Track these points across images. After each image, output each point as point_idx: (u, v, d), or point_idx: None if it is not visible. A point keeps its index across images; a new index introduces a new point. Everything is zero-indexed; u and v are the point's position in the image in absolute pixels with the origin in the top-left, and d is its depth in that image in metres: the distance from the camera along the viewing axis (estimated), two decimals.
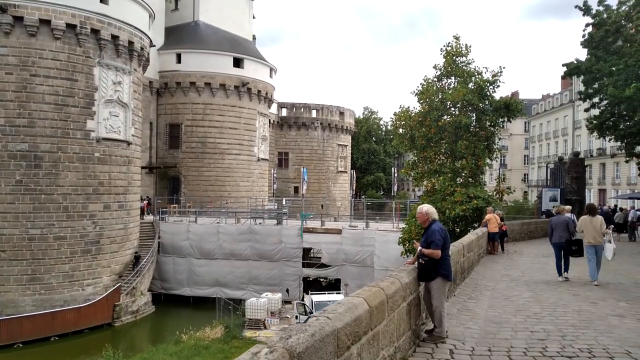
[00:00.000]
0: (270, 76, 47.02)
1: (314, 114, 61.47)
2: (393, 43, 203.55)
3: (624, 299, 8.11)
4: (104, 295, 27.79)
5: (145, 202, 38.40)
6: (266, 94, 45.91)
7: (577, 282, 9.76)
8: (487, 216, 15.18)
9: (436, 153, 20.10)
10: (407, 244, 19.51)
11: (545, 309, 7.43)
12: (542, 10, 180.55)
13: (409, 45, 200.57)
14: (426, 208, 6.06)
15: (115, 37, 29.31)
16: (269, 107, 48.74)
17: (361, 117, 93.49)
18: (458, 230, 19.09)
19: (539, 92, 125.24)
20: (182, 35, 43.12)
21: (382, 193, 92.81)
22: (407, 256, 19.30)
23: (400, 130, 20.89)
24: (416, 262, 5.89)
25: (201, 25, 44.12)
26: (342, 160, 65.03)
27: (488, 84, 19.21)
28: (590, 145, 54.32)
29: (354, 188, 61.41)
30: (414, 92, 20.47)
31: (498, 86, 19.32)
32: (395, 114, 21.03)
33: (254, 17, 51.30)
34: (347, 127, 65.08)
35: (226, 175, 42.72)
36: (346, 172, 66.45)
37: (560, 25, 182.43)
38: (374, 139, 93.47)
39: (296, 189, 61.48)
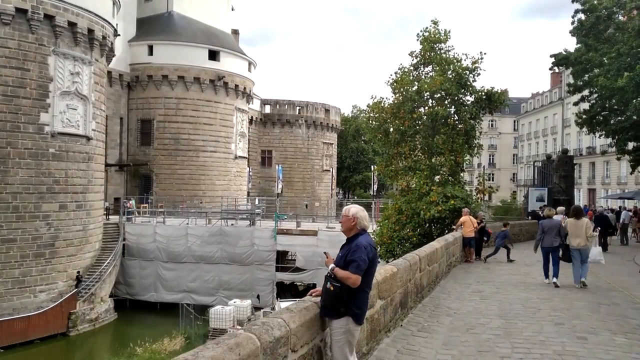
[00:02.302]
0: (249, 70, 44.99)
1: (298, 111, 59.63)
2: (384, 42, 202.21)
3: (621, 331, 6.21)
4: (58, 302, 25.67)
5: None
6: (244, 88, 43.87)
7: (562, 305, 7.83)
8: (462, 218, 13.33)
9: (411, 148, 18.25)
10: (379, 249, 17.65)
11: (517, 348, 5.51)
12: (531, 11, 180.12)
13: (399, 44, 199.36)
14: (354, 210, 4.26)
15: (72, 24, 27.15)
16: (248, 102, 46.69)
17: (349, 115, 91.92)
18: (436, 233, 17.29)
19: (529, 91, 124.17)
20: (154, 26, 40.94)
21: (371, 194, 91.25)
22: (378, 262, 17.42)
23: (373, 123, 19.01)
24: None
25: (175, 16, 41.96)
26: (327, 159, 63.25)
27: (467, 72, 17.36)
28: (579, 144, 53.01)
29: (332, 187, 59.76)
30: (388, 81, 18.60)
31: (478, 74, 17.52)
32: (368, 106, 19.15)
33: (232, 9, 49.17)
34: (332, 124, 63.30)
35: (201, 174, 40.64)
36: (331, 170, 64.76)
37: (549, 25, 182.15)
38: (362, 137, 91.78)
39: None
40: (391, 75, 18.29)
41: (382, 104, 18.39)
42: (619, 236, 20.50)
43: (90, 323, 26.86)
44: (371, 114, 19.08)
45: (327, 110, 61.92)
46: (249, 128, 54.14)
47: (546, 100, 63.57)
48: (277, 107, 59.30)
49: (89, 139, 28.73)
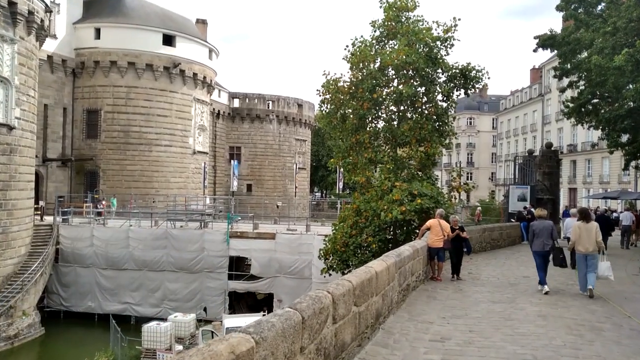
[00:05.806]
0: (210, 58, 41.42)
1: (268, 105, 56.34)
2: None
3: None
4: None
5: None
6: (204, 77, 40.30)
7: None
8: (429, 222, 10.22)
9: (372, 137, 15.13)
10: (331, 258, 14.47)
11: None
12: (510, 12, 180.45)
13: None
14: None
15: None
16: (209, 93, 43.11)
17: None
18: (401, 239, 14.23)
19: (508, 90, 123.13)
20: (103, 7, 37.07)
21: (347, 192, 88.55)
22: (329, 275, 14.28)
23: (328, 106, 15.81)
24: None
25: None
26: (300, 156, 60.05)
27: (438, 43, 14.32)
28: (560, 141, 50.93)
29: (297, 186, 56.55)
30: (346, 56, 15.43)
31: (452, 45, 14.49)
32: (322, 85, 15.94)
33: None
34: (306, 120, 60.18)
35: (154, 170, 36.95)
36: (305, 168, 61.53)
37: (528, 25, 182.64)
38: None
39: (249, 187, 56.26)
40: (347, 47, 15.11)
41: (338, 83, 15.22)
42: (622, 239, 17.89)
43: (8, 341, 23.04)
44: (326, 96, 15.84)
45: (300, 105, 58.78)
46: (215, 122, 50.65)
47: (526, 96, 61.59)
48: (247, 100, 55.97)
49: (11, 128, 24.88)
